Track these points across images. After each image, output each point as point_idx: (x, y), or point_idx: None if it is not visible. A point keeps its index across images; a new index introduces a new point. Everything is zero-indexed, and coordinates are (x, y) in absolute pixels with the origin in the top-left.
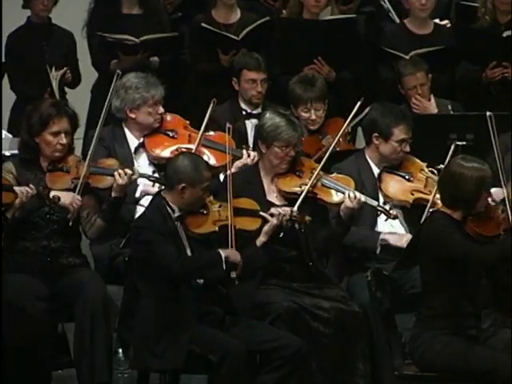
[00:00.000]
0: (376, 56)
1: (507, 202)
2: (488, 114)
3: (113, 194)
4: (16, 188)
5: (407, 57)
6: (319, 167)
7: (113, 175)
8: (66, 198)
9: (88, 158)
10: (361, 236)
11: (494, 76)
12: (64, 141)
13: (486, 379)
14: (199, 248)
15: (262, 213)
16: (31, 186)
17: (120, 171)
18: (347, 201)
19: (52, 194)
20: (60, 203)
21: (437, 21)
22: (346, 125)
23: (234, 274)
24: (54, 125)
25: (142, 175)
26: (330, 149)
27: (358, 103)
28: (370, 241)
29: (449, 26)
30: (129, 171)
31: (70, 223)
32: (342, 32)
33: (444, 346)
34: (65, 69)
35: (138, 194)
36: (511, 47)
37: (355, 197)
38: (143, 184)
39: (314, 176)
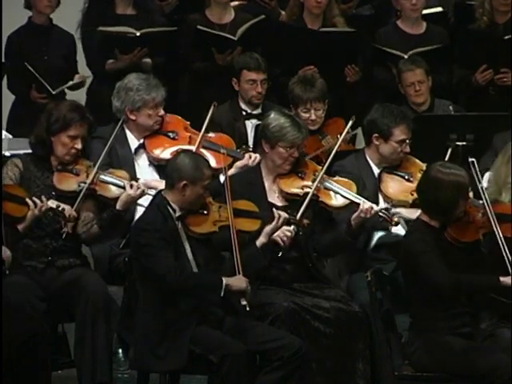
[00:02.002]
0: (373, 56)
1: (487, 206)
2: (471, 160)
3: (117, 206)
4: (28, 201)
5: (406, 56)
6: (322, 171)
7: (121, 186)
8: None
9: (96, 166)
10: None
11: (485, 79)
12: (79, 146)
13: (485, 379)
14: (200, 248)
15: (263, 212)
16: (43, 198)
17: (132, 183)
18: (360, 211)
19: (67, 212)
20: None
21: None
22: (345, 131)
23: (243, 301)
24: (75, 129)
25: (150, 194)
26: (332, 154)
27: (350, 123)
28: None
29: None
30: (140, 184)
31: (64, 236)
32: (342, 44)
33: (442, 348)
34: (85, 76)
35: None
36: (510, 50)
37: (370, 208)
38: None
39: (318, 180)
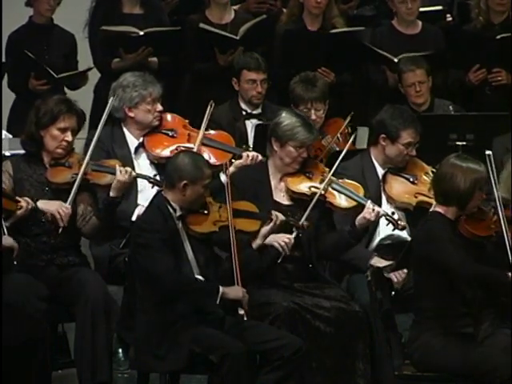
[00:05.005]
0: (367, 57)
1: (498, 205)
2: (487, 153)
3: (111, 194)
4: (21, 199)
5: (396, 59)
6: (330, 173)
7: (113, 173)
8: (52, 206)
9: (88, 154)
10: (353, 254)
11: (477, 79)
12: (70, 138)
13: (485, 379)
14: (200, 248)
15: (263, 213)
16: (28, 200)
17: (121, 168)
18: (366, 212)
19: (48, 214)
20: (46, 210)
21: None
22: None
23: (241, 311)
24: (63, 121)
25: (142, 176)
26: (342, 155)
27: (347, 119)
28: (362, 260)
29: (450, 19)
30: (129, 169)
31: (60, 230)
32: (346, 43)
33: (442, 347)
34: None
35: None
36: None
37: (374, 210)
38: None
39: (326, 181)
